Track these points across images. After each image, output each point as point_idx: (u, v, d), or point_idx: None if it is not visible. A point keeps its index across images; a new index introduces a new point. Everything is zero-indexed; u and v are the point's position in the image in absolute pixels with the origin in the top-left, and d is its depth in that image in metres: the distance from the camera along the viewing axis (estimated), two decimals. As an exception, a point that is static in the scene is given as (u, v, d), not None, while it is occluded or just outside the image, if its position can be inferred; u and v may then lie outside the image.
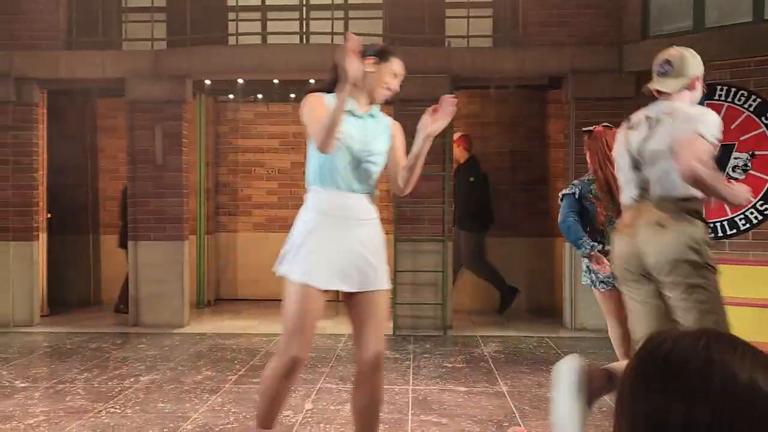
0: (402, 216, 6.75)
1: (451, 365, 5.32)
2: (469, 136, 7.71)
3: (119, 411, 4.08)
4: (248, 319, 7.45)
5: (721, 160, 5.55)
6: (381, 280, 2.79)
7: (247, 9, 7.73)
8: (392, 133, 2.90)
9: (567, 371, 2.68)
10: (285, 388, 2.79)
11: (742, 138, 5.83)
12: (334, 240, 2.70)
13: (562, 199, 4.16)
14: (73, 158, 8.07)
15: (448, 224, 6.79)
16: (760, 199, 5.78)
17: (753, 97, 5.88)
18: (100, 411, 4.07)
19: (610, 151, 3.97)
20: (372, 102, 2.84)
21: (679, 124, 2.86)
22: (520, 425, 3.83)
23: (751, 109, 5.88)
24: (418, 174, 2.83)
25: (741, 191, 2.87)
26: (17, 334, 6.52)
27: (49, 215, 7.43)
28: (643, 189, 2.95)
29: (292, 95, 8.32)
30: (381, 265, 2.80)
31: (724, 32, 6.04)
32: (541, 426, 3.84)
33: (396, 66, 2.82)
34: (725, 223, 5.90)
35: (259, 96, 8.36)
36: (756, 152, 5.81)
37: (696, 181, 2.71)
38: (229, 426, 3.82)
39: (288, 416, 3.99)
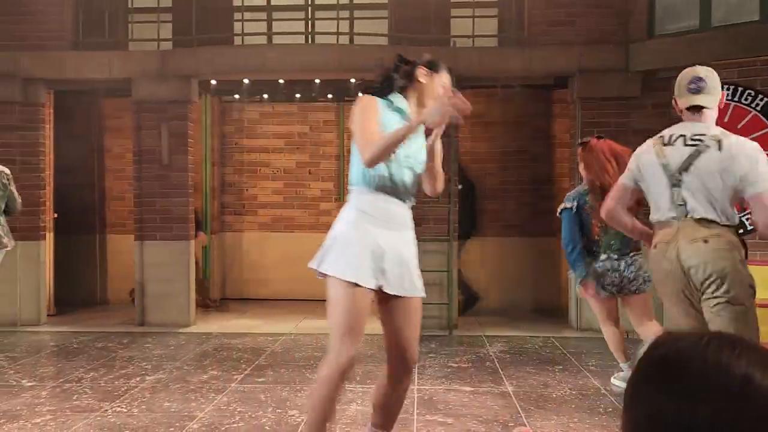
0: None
1: (456, 365, 5.32)
2: None
3: (125, 410, 4.09)
4: (254, 319, 7.47)
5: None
6: (419, 287, 2.81)
7: (253, 9, 7.74)
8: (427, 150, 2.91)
9: None
10: (340, 391, 2.74)
11: (749, 138, 5.80)
12: (378, 241, 2.69)
13: (560, 213, 4.26)
14: (79, 158, 8.11)
15: (453, 224, 6.79)
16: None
17: (760, 96, 5.86)
18: (107, 410, 4.08)
19: (607, 161, 4.10)
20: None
21: (740, 160, 2.95)
22: (525, 425, 3.82)
23: (758, 108, 5.85)
24: (438, 171, 2.83)
25: None
26: (24, 334, 6.55)
27: (55, 215, 7.46)
28: (681, 206, 3.00)
29: (298, 95, 8.34)
30: (418, 272, 2.82)
31: (730, 31, 6.02)
32: (547, 426, 3.83)
33: (445, 78, 2.86)
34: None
35: (265, 96, 8.37)
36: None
37: None
38: (235, 425, 3.83)
39: (293, 416, 3.99)
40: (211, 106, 8.45)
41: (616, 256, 4.20)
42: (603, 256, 4.21)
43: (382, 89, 2.84)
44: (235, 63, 6.93)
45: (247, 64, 6.93)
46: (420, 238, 7.54)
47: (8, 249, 5.33)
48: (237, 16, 7.52)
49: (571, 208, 4.22)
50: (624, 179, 3.26)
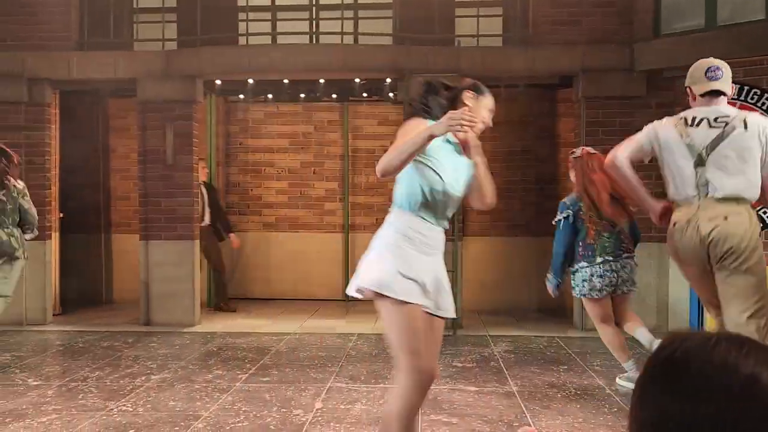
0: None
1: (461, 365, 5.32)
2: None
3: (131, 409, 4.10)
4: (258, 318, 7.48)
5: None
6: (452, 309, 2.87)
7: (257, 9, 7.75)
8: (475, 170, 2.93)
9: None
10: (421, 404, 2.75)
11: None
12: (421, 262, 2.73)
13: (558, 222, 4.42)
14: (84, 158, 8.14)
15: (459, 224, 6.79)
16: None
17: (766, 95, 5.84)
18: (112, 409, 4.10)
19: (593, 173, 4.27)
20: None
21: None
22: (530, 425, 3.82)
23: (764, 107, 5.83)
24: (483, 184, 2.84)
25: None
26: (30, 333, 6.57)
27: (61, 215, 7.48)
28: (704, 186, 3.21)
29: (302, 95, 8.35)
30: (450, 293, 2.89)
31: (736, 30, 6.00)
32: (552, 426, 3.83)
33: (490, 101, 2.91)
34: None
35: (269, 96, 8.38)
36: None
37: None
38: (240, 424, 3.83)
39: (298, 415, 4.00)
40: (216, 106, 8.47)
41: (611, 258, 4.35)
42: (599, 259, 4.36)
43: (427, 112, 2.84)
44: (239, 63, 6.94)
45: (251, 64, 6.94)
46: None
47: (24, 262, 5.36)
48: (241, 16, 7.53)
49: (568, 217, 4.38)
50: (642, 139, 3.41)
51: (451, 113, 2.59)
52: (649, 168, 3.99)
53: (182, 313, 6.90)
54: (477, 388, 4.61)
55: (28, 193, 5.51)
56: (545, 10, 6.87)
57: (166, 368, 5.14)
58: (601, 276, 4.33)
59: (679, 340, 0.87)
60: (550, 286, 4.52)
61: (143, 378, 4.84)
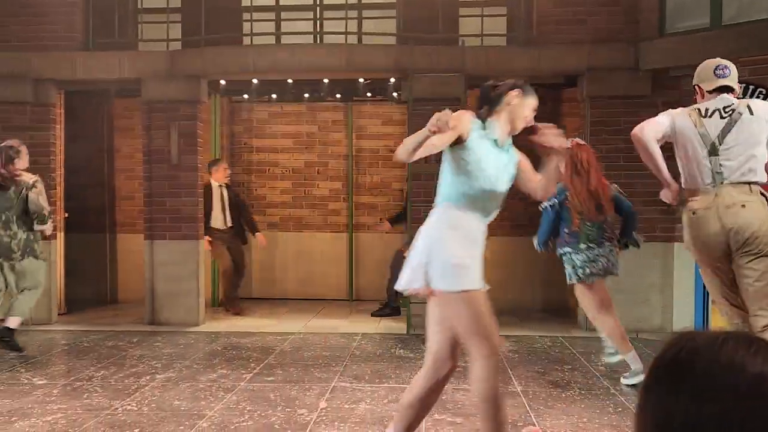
0: (416, 215, 6.74)
1: (465, 364, 5.30)
2: None
3: (136, 408, 4.11)
4: (263, 318, 7.49)
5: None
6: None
7: (261, 9, 7.76)
8: (520, 166, 3.12)
9: None
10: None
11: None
12: (473, 249, 2.92)
13: (544, 209, 4.62)
14: (89, 158, 8.16)
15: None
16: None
17: (771, 94, 5.82)
18: (117, 408, 4.11)
19: (581, 165, 4.49)
20: (512, 132, 3.06)
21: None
22: (534, 425, 3.82)
23: (769, 106, 5.81)
24: (551, 179, 3.14)
25: None
26: (36, 332, 6.59)
27: (66, 215, 7.50)
28: (719, 173, 3.34)
29: (306, 95, 8.36)
30: None
31: (741, 29, 5.98)
32: (556, 426, 3.82)
33: (533, 100, 3.08)
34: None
35: (273, 96, 8.39)
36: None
37: None
38: (245, 424, 3.84)
39: (302, 415, 4.00)
40: (221, 106, 8.48)
41: (594, 245, 4.50)
42: (583, 246, 4.51)
43: (480, 113, 3.01)
44: (243, 63, 6.95)
45: (255, 64, 6.94)
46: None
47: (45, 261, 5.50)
48: (246, 16, 7.54)
49: (554, 205, 4.54)
50: (665, 121, 3.51)
51: (435, 114, 2.68)
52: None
53: (187, 312, 6.91)
54: (481, 388, 4.60)
55: (38, 186, 5.53)
56: (549, 10, 6.86)
57: (171, 367, 5.15)
58: (594, 261, 4.48)
59: (684, 340, 0.86)
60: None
61: (148, 377, 4.85)
